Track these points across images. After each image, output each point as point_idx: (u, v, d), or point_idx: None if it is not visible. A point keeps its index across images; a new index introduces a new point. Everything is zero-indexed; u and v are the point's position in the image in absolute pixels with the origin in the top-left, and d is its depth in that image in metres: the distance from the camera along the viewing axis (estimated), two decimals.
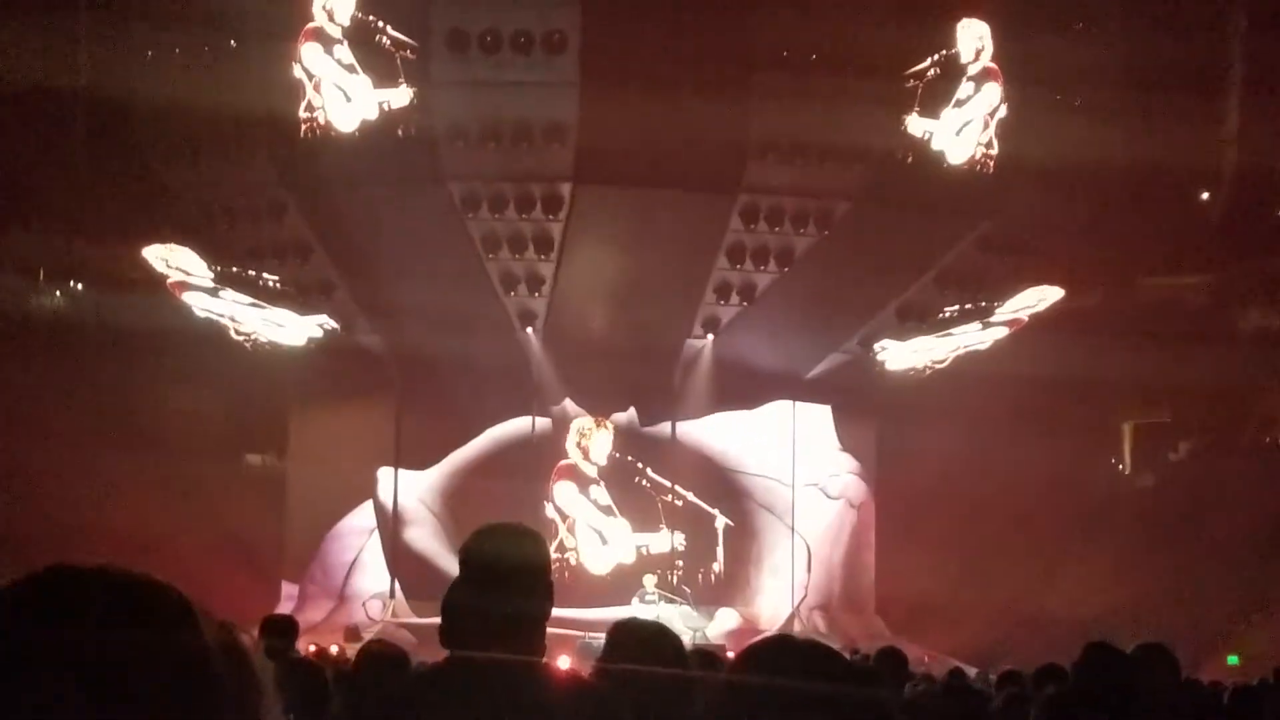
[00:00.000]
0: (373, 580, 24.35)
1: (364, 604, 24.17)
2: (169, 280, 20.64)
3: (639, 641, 3.83)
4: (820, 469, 25.38)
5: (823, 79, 20.01)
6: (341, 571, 24.37)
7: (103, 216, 19.94)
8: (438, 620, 3.08)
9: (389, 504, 24.34)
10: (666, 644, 3.86)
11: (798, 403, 24.96)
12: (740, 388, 23.82)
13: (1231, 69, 22.89)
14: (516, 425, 24.36)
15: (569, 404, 23.97)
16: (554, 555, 22.53)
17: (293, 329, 21.86)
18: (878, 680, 1.97)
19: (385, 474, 24.36)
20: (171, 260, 20.66)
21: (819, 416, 25.29)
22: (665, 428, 24.38)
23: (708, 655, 6.10)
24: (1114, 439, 27.17)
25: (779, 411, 24.98)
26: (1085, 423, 24.64)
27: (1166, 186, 22.57)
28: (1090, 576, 21.61)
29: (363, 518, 24.56)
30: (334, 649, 18.22)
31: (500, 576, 3.04)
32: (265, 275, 21.55)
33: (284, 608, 23.10)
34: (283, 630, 8.27)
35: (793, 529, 25.03)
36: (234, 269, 21.24)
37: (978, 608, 21.57)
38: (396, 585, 24.20)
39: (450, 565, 23.50)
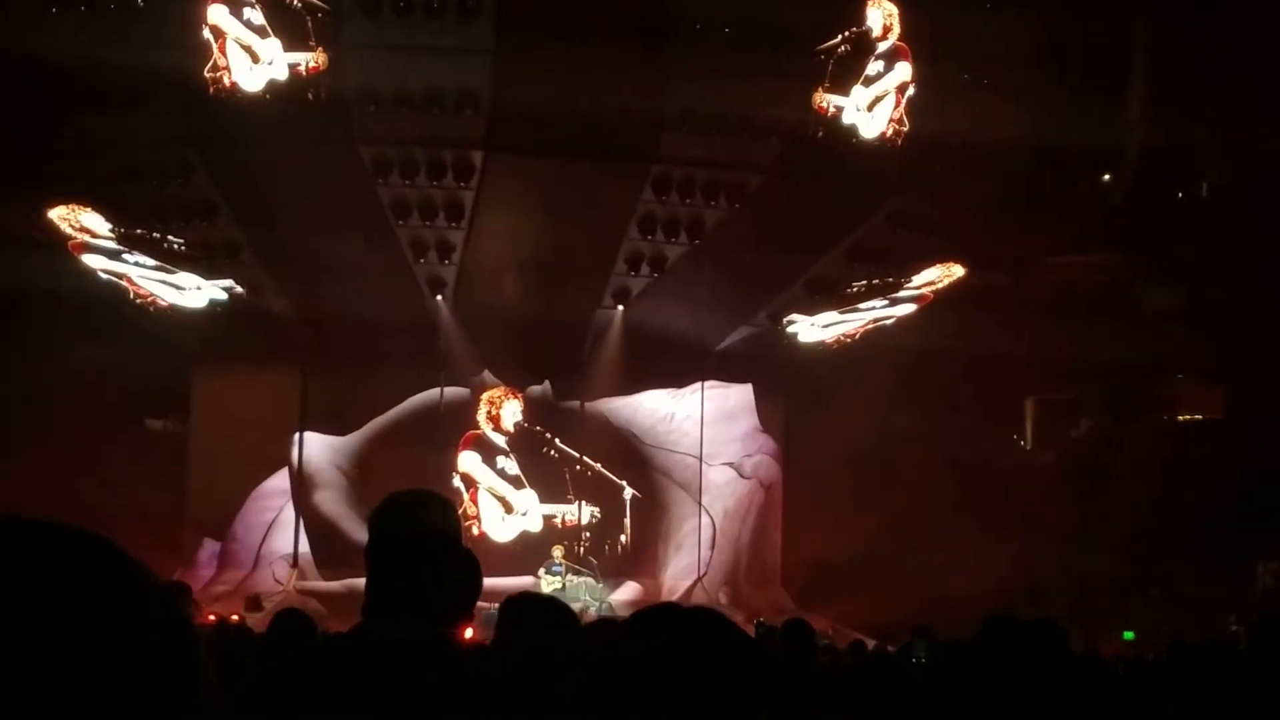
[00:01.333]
0: (288, 545, 24.34)
1: (271, 567, 24.10)
2: (70, 241, 20.29)
3: (531, 614, 3.90)
4: (737, 448, 25.59)
5: (735, 52, 20.04)
6: (258, 534, 24.28)
7: (1, 173, 19.49)
8: (338, 585, 3.09)
9: (303, 469, 24.33)
10: (558, 616, 3.93)
11: (722, 383, 25.20)
12: (650, 361, 23.88)
13: (1136, 52, 23.25)
14: (426, 394, 24.30)
15: (478, 373, 23.93)
16: None
17: (197, 292, 21.59)
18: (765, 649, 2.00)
19: (302, 439, 24.37)
20: (74, 220, 20.32)
21: (740, 395, 25.50)
22: (576, 398, 24.44)
23: (614, 626, 6.14)
24: (1016, 415, 27.60)
25: (695, 388, 25.20)
26: (988, 399, 25.00)
27: (1071, 167, 22.90)
28: (991, 551, 21.96)
29: (281, 481, 24.48)
30: (234, 618, 18.08)
31: (407, 545, 3.04)
32: (170, 237, 21.23)
33: (206, 567, 23.22)
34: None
35: (700, 504, 25.22)
36: (138, 230, 20.90)
37: (881, 581, 21.85)
38: (304, 551, 24.14)
39: (357, 532, 23.38)
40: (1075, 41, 21.68)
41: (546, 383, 24.30)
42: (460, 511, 22.97)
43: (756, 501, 25.69)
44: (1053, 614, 5.09)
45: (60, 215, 20.26)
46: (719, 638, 1.83)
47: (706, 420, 25.28)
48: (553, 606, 4.05)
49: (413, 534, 3.04)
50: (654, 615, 1.91)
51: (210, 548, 24.11)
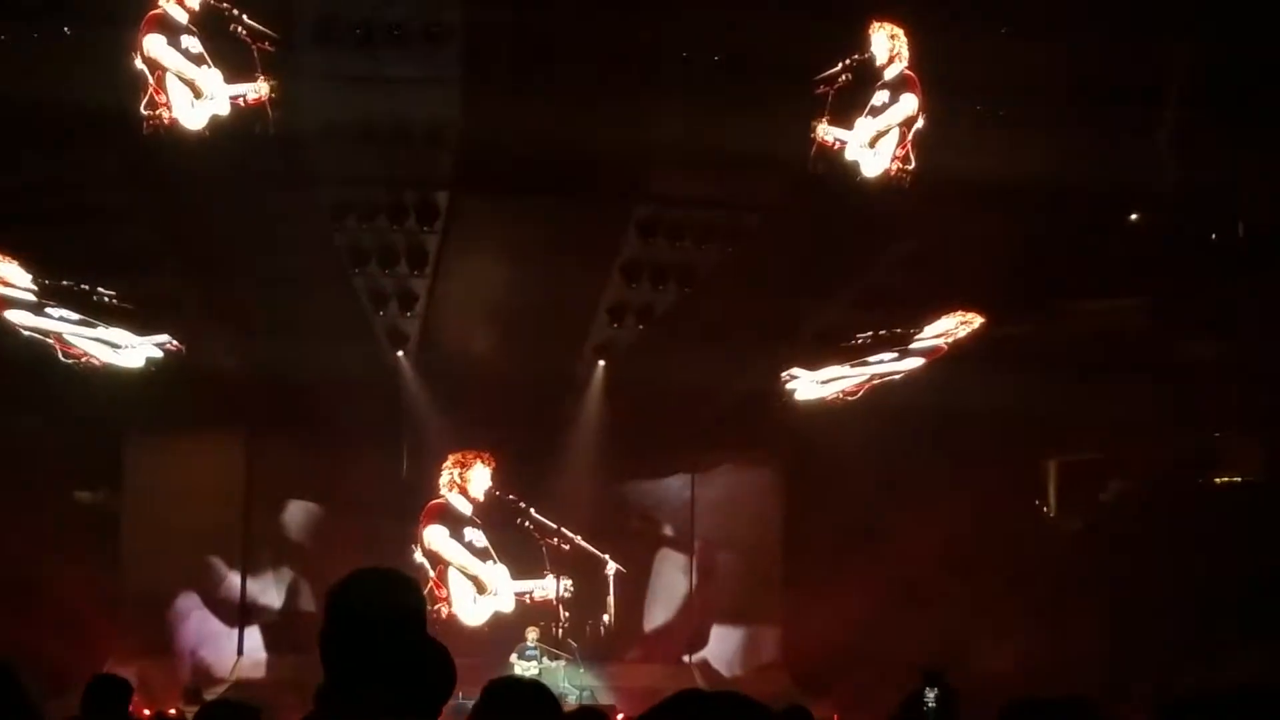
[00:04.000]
0: (232, 632, 24.35)
1: (220, 651, 24.13)
2: None
3: (513, 702, 3.91)
4: (746, 533, 25.71)
5: (728, 82, 20.12)
6: (211, 616, 24.34)
7: None
8: (286, 670, 3.11)
9: (253, 543, 24.38)
10: (543, 705, 3.94)
11: (738, 465, 25.46)
12: (636, 421, 23.86)
13: (1168, 81, 23.34)
14: (385, 459, 24.26)
15: (445, 436, 23.86)
16: None
17: (133, 351, 21.48)
18: None
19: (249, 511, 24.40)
20: None
21: (757, 478, 25.75)
22: (553, 464, 24.39)
23: (596, 716, 6.15)
24: (1039, 479, 27.57)
25: (716, 470, 25.50)
26: (1007, 461, 24.97)
27: (1097, 206, 22.92)
28: (1014, 629, 21.91)
29: (232, 558, 24.49)
30: (172, 712, 18.15)
31: (369, 628, 3.05)
32: (100, 289, 21.13)
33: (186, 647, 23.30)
34: (113, 694, 8.07)
35: (692, 581, 25.22)
36: (63, 281, 20.81)
37: (893, 663, 21.72)
38: (254, 636, 24.14)
39: (312, 612, 23.35)
40: (1100, 70, 21.77)
41: (515, 444, 24.25)
42: (427, 592, 23.05)
43: (757, 583, 25.73)
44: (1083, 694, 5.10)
45: None
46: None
47: (717, 502, 25.59)
48: (538, 694, 4.06)
49: (376, 616, 3.05)
50: (682, 702, 1.93)
51: (190, 627, 24.11)
